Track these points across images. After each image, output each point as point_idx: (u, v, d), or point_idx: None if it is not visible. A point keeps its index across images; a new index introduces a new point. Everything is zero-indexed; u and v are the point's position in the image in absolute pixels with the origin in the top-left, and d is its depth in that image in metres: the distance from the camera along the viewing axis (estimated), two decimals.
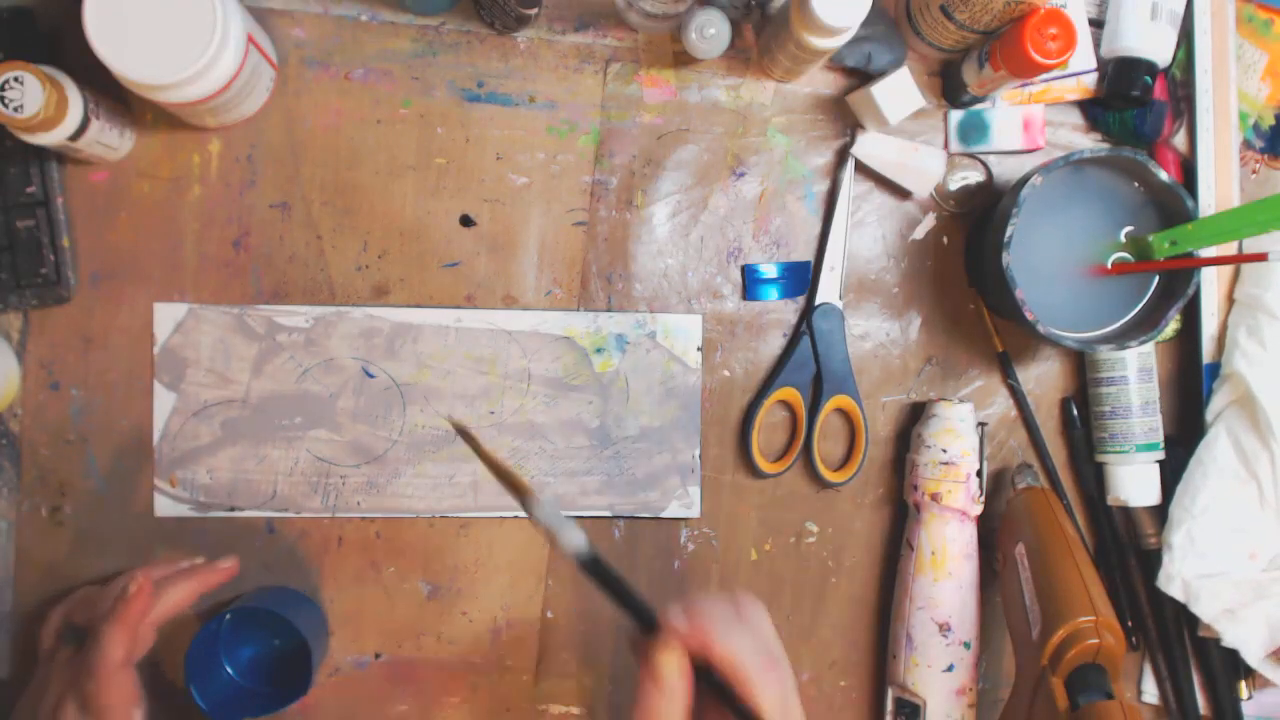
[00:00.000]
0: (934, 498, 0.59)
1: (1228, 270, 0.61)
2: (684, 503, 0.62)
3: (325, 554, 0.60)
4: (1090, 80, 0.62)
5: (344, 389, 0.59)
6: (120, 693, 0.49)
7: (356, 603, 0.60)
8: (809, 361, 0.62)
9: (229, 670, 0.58)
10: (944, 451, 0.59)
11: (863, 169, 0.62)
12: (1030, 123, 0.62)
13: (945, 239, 0.63)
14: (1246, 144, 0.64)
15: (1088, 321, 0.59)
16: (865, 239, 0.63)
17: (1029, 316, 0.55)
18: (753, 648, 0.41)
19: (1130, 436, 0.61)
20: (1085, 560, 0.55)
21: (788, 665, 0.43)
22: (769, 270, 0.62)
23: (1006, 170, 0.63)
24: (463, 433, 0.44)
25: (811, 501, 0.63)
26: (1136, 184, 0.58)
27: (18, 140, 0.50)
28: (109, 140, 0.54)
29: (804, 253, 0.62)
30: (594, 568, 0.40)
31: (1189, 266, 0.56)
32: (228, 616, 0.56)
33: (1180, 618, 0.63)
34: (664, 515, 0.62)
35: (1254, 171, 0.64)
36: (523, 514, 0.60)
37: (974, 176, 0.63)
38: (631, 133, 0.61)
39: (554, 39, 0.60)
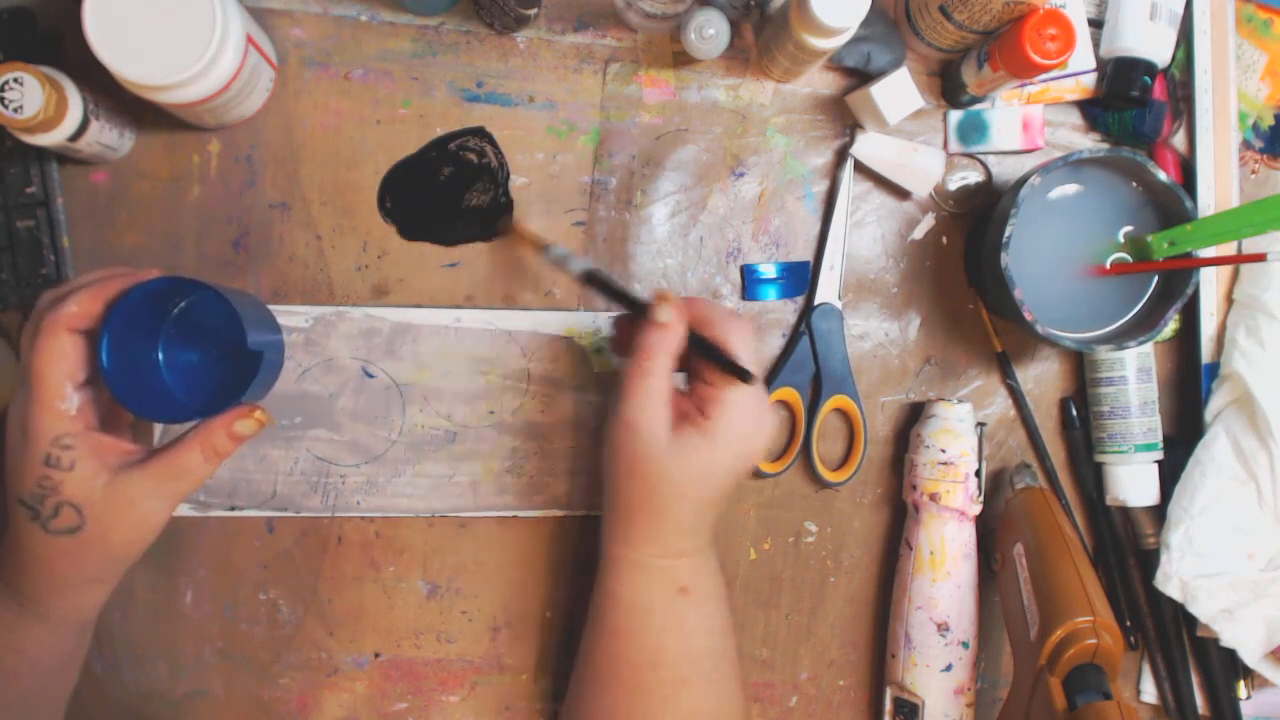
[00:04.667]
0: (933, 498, 0.59)
1: (1226, 270, 0.62)
2: None
3: (325, 553, 0.60)
4: (1089, 80, 0.62)
5: (344, 389, 0.59)
6: (52, 358, 0.43)
7: (356, 602, 0.60)
8: (808, 361, 0.62)
9: (158, 357, 0.51)
10: (943, 451, 0.59)
11: (862, 169, 0.62)
12: (1029, 123, 0.62)
13: (944, 239, 0.64)
14: (1246, 144, 0.64)
15: (1086, 322, 0.59)
16: (864, 239, 0.63)
17: (1028, 316, 0.55)
18: (720, 310, 0.50)
19: (1129, 436, 0.61)
20: (1084, 560, 0.55)
21: (750, 326, 0.51)
22: (768, 270, 0.62)
23: (1005, 170, 0.63)
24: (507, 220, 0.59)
25: (810, 501, 0.63)
26: (1135, 184, 0.58)
27: (18, 140, 0.51)
28: (109, 140, 0.54)
29: (803, 253, 0.63)
30: (592, 279, 0.52)
31: (1188, 267, 0.56)
32: (181, 304, 0.50)
33: (1179, 618, 0.63)
34: None
35: (1253, 171, 0.64)
36: (521, 513, 0.60)
37: (973, 176, 0.63)
38: (631, 133, 0.61)
39: (553, 39, 0.60)
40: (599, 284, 0.52)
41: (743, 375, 0.47)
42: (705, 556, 0.52)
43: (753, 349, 0.49)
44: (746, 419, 0.48)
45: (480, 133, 0.59)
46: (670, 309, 0.49)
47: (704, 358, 0.49)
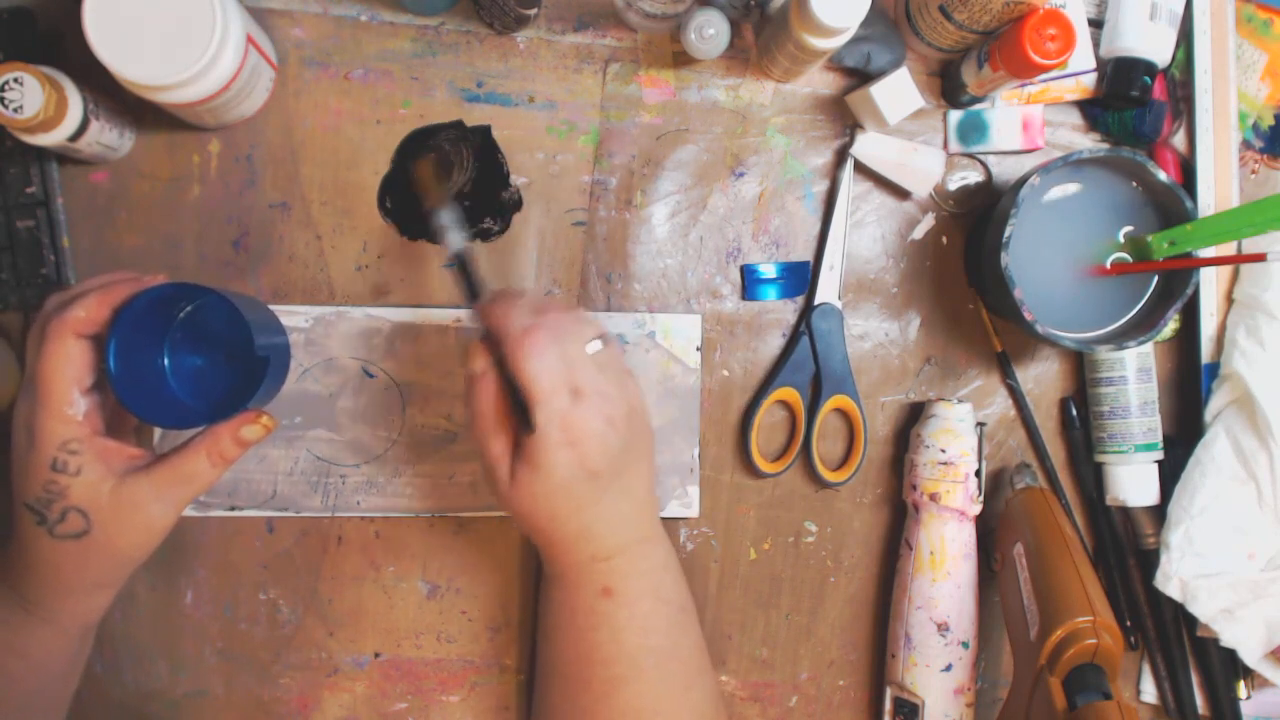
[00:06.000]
0: (933, 498, 0.59)
1: (1226, 270, 0.62)
2: (683, 502, 0.62)
3: (325, 553, 0.60)
4: (1089, 80, 0.62)
5: (344, 389, 0.59)
6: (58, 363, 0.44)
7: (356, 602, 0.60)
8: (808, 361, 0.62)
9: (164, 363, 0.51)
10: (943, 451, 0.59)
11: (862, 169, 0.62)
12: (1029, 123, 0.62)
13: (944, 239, 0.64)
14: (1246, 144, 0.64)
15: (1086, 321, 0.59)
16: (864, 239, 0.63)
17: (1028, 316, 0.55)
18: (521, 322, 0.46)
19: (1129, 436, 0.61)
20: (1084, 560, 0.55)
21: (570, 331, 0.47)
22: (768, 270, 0.62)
23: (1005, 170, 0.63)
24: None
25: (810, 501, 0.63)
26: (1135, 184, 0.58)
27: (18, 140, 0.51)
28: (109, 140, 0.54)
29: (803, 253, 0.63)
30: (460, 261, 0.49)
31: (1188, 267, 0.56)
32: (186, 306, 0.50)
33: (1179, 618, 0.63)
34: (663, 515, 0.62)
35: (1253, 171, 0.64)
36: None
37: (973, 176, 0.63)
38: (631, 133, 0.61)
39: (553, 39, 0.60)
40: (461, 270, 0.49)
41: (524, 425, 0.46)
42: (634, 555, 0.50)
43: (554, 359, 0.45)
44: (556, 438, 0.45)
45: (484, 132, 0.59)
46: (479, 356, 0.47)
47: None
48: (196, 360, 0.52)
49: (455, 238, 0.50)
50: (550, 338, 0.46)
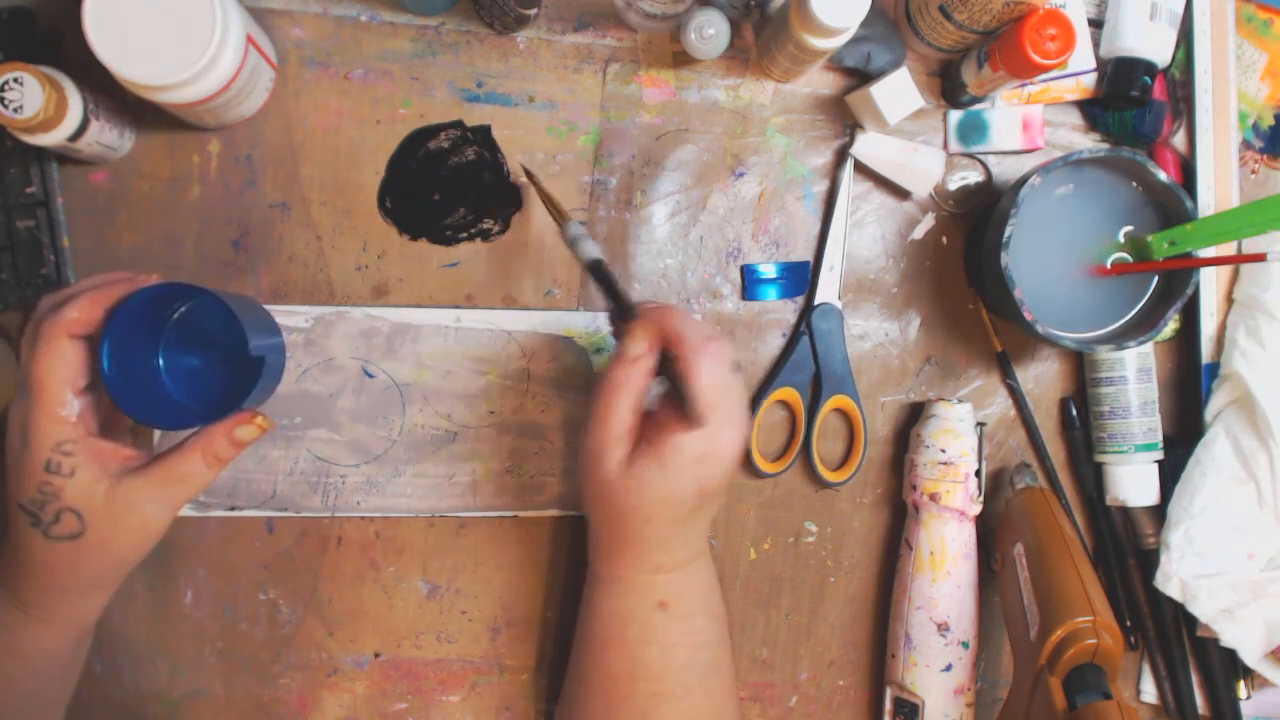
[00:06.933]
0: (933, 498, 0.59)
1: (1226, 270, 0.62)
2: None
3: (325, 553, 0.60)
4: (1089, 80, 0.62)
5: (344, 389, 0.59)
6: (52, 364, 0.44)
7: (356, 602, 0.60)
8: (808, 361, 0.62)
9: (158, 363, 0.51)
10: (943, 451, 0.59)
11: (862, 169, 0.62)
12: (1029, 123, 0.62)
13: (944, 239, 0.64)
14: (1246, 144, 0.64)
15: (1086, 321, 0.59)
16: (864, 239, 0.63)
17: (1028, 316, 0.55)
18: (697, 330, 0.48)
19: (1129, 436, 0.61)
20: (1084, 560, 0.55)
21: (730, 352, 0.49)
22: (768, 270, 0.62)
23: (1006, 170, 0.63)
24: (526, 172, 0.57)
25: (810, 501, 0.63)
26: (1135, 184, 0.58)
27: (18, 140, 0.51)
28: (109, 140, 0.54)
29: (803, 253, 0.63)
30: (596, 270, 0.51)
31: (1188, 267, 0.56)
32: (180, 307, 0.50)
33: (1179, 618, 0.63)
34: None
35: (1253, 171, 0.64)
36: (521, 513, 0.60)
37: (973, 176, 0.63)
38: (631, 133, 0.61)
39: (553, 39, 0.60)
40: (600, 277, 0.51)
41: (691, 419, 0.46)
42: (690, 570, 0.51)
43: (724, 374, 0.47)
44: (695, 449, 0.46)
45: (484, 132, 0.59)
46: (643, 342, 0.48)
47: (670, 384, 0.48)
48: (191, 360, 0.52)
49: (589, 247, 0.52)
50: (725, 356, 0.48)
